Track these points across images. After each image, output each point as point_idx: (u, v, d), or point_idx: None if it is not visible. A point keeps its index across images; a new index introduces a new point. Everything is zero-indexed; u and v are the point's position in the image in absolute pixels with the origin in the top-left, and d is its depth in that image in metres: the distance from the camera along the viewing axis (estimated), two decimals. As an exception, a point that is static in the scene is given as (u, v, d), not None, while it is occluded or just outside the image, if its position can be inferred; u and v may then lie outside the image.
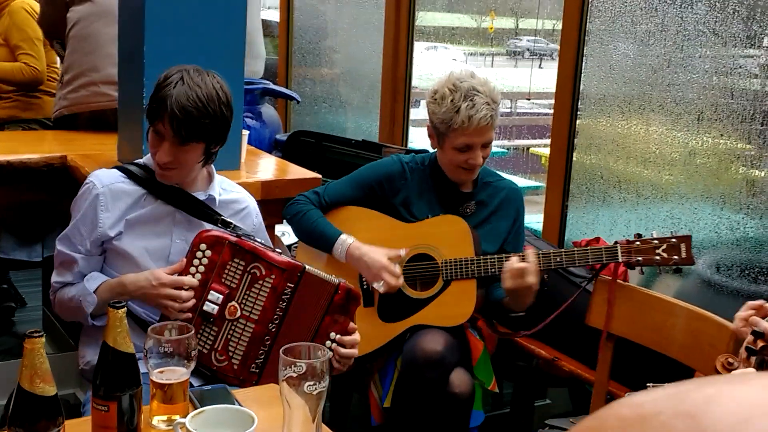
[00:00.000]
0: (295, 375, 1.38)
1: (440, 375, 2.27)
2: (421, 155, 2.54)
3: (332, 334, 2.01)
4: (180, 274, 1.97)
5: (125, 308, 1.35)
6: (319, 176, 2.70)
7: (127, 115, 2.56)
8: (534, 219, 3.30)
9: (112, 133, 2.71)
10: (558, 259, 2.30)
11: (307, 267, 2.02)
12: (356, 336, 2.03)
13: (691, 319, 2.01)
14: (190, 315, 1.95)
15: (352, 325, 2.03)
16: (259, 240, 2.07)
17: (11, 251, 3.52)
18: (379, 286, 2.33)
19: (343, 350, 2.00)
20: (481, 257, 2.35)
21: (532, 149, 5.89)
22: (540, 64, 6.93)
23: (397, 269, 2.35)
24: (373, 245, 2.38)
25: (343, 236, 2.39)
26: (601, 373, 2.18)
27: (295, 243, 2.74)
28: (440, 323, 2.34)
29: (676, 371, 2.08)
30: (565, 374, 2.58)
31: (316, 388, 1.39)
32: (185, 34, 2.39)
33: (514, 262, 2.26)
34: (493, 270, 2.33)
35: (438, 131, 2.37)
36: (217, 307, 1.96)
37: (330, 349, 2.01)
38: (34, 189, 2.74)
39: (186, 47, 2.34)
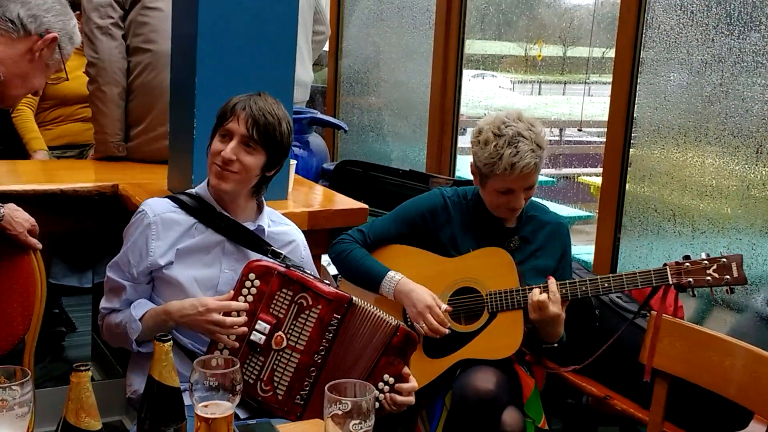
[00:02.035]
0: (340, 412, 1.35)
1: (492, 414, 2.22)
2: (464, 188, 2.51)
3: (386, 377, 2.00)
4: None
5: (171, 342, 1.34)
6: (366, 206, 2.69)
7: (177, 145, 2.59)
8: (584, 250, 3.24)
9: (163, 163, 2.74)
10: (584, 288, 2.28)
11: (354, 299, 2.01)
12: (414, 383, 2.02)
13: (750, 359, 1.93)
14: (236, 344, 1.95)
15: (406, 370, 2.02)
16: (308, 271, 2.08)
17: (63, 277, 3.57)
18: (421, 327, 2.30)
19: (400, 398, 1.99)
20: (526, 287, 2.31)
21: (580, 178, 5.82)
22: (589, 92, 6.88)
23: (442, 312, 2.32)
24: (417, 282, 2.36)
25: (391, 273, 2.37)
26: (655, 414, 2.11)
27: (340, 275, 2.73)
28: (488, 356, 2.30)
29: (734, 413, 2.00)
30: (617, 413, 2.51)
31: (361, 427, 1.36)
32: (236, 65, 2.41)
33: (535, 294, 2.24)
34: None
35: (480, 172, 2.35)
36: (264, 337, 1.96)
37: (381, 391, 1.99)
38: (86, 217, 2.77)
39: (236, 78, 2.35)
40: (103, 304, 2.12)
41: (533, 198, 2.45)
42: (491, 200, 2.37)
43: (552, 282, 2.27)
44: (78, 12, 4.13)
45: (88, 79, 3.04)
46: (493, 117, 2.36)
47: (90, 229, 3.06)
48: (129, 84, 3.04)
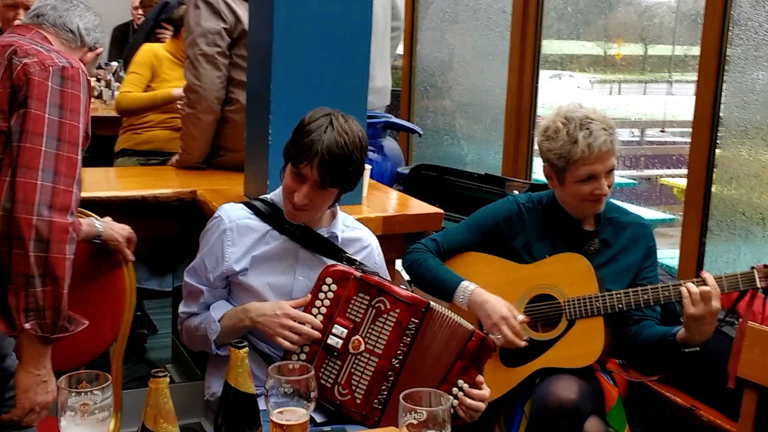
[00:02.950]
0: (415, 422, 1.34)
1: (574, 424, 2.17)
2: (538, 194, 2.46)
3: (460, 382, 1.98)
4: (305, 309, 1.98)
5: (246, 348, 1.35)
6: (441, 211, 2.67)
7: (253, 152, 2.61)
8: (667, 254, 3.13)
9: (240, 170, 2.78)
10: (666, 294, 2.18)
11: (431, 303, 2.00)
12: (486, 391, 1.99)
13: None
14: (295, 348, 1.95)
15: (480, 378, 1.99)
16: (383, 276, 2.07)
17: (144, 281, 3.66)
18: (496, 338, 2.26)
19: (469, 401, 1.96)
20: (606, 293, 2.24)
21: (663, 180, 5.66)
22: (671, 91, 6.68)
23: (518, 323, 2.27)
24: (492, 290, 2.32)
25: (464, 283, 2.34)
26: (743, 426, 2.03)
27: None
28: (568, 365, 2.24)
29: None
30: (703, 424, 2.41)
31: (437, 437, 1.34)
32: (310, 72, 2.42)
33: (693, 286, 2.12)
34: (620, 306, 2.23)
35: (556, 168, 2.30)
36: (341, 341, 1.96)
37: (455, 396, 1.97)
38: (166, 222, 2.84)
39: (311, 85, 2.37)
40: (182, 308, 2.15)
41: (612, 200, 2.38)
42: (574, 194, 2.30)
43: (708, 275, 2.15)
44: (170, 33, 4.23)
45: (185, 100, 3.07)
46: (555, 111, 2.32)
47: (170, 233, 3.13)
48: (224, 113, 3.05)
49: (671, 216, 4.37)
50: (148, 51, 3.92)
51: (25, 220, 1.67)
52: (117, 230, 2.20)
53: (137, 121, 3.90)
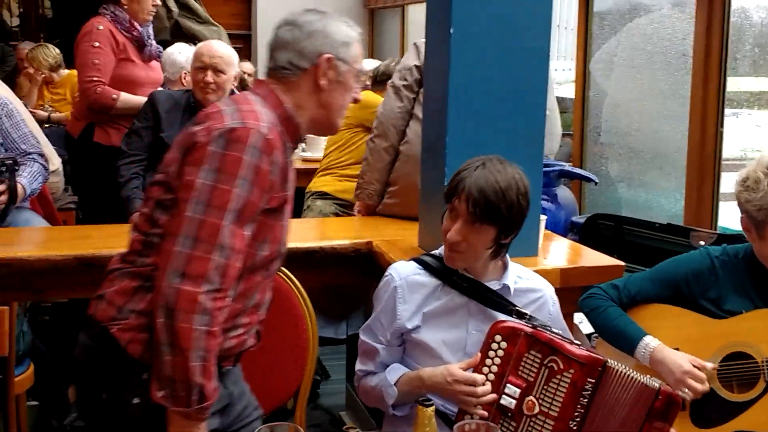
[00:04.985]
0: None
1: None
2: (734, 247, 2.30)
3: None
4: (476, 368, 1.95)
5: (434, 407, 1.35)
6: (622, 263, 2.57)
7: (428, 203, 2.64)
8: None
9: (414, 221, 2.81)
10: None
11: (608, 361, 1.92)
12: None
13: None
14: (485, 413, 1.91)
15: (672, 431, 1.89)
16: (555, 330, 2.00)
17: (320, 329, 3.74)
18: (685, 395, 2.13)
19: None
20: None
21: None
22: None
23: (702, 374, 2.13)
24: (680, 345, 2.20)
25: (647, 338, 2.22)
26: None
27: (594, 333, 2.61)
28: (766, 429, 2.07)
29: None
30: None
31: None
32: (486, 123, 2.43)
33: None
34: None
35: (755, 220, 2.14)
36: (514, 402, 1.91)
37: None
38: (343, 272, 2.91)
39: (487, 135, 2.37)
40: (359, 366, 2.18)
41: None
42: None
43: None
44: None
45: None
46: (756, 159, 2.16)
47: (345, 283, 3.21)
48: (399, 147, 3.16)
49: None
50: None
51: (159, 287, 1.64)
52: None
53: (340, 169, 4.05)
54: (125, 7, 3.99)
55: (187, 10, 5.90)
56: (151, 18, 4.11)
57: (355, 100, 1.93)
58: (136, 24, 4.01)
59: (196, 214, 1.65)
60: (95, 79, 3.85)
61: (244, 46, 7.61)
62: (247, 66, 6.23)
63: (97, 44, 3.88)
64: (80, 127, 4.02)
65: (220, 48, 3.54)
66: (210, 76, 3.44)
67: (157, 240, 1.72)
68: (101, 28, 3.91)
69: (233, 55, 3.58)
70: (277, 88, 1.84)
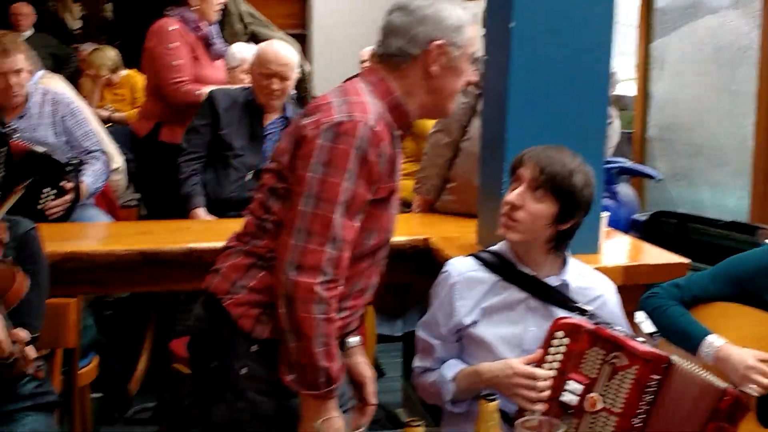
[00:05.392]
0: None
1: None
2: None
3: None
4: (537, 364, 1.94)
5: (497, 402, 1.33)
6: (686, 261, 2.52)
7: (487, 199, 2.62)
8: None
9: (472, 218, 2.79)
10: None
11: (673, 358, 1.89)
12: None
13: None
14: (545, 407, 1.89)
15: None
16: (618, 327, 1.97)
17: (376, 326, 3.76)
18: (751, 390, 2.07)
19: None
20: None
21: None
22: None
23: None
24: (749, 345, 2.13)
25: (711, 337, 2.17)
26: None
27: (657, 331, 2.57)
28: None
29: None
30: None
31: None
32: (547, 118, 2.40)
33: None
34: None
35: None
36: (576, 398, 1.89)
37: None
38: (399, 269, 2.88)
39: (548, 130, 2.33)
40: (416, 362, 2.18)
41: None
42: None
43: None
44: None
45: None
46: None
47: (402, 280, 3.20)
48: (461, 143, 3.14)
49: None
50: None
51: (278, 278, 1.73)
52: None
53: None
54: (195, 7, 4.05)
55: (257, 20, 5.95)
56: (218, 17, 4.17)
57: (469, 83, 1.92)
58: (203, 24, 4.07)
59: (308, 208, 1.71)
60: (178, 79, 3.91)
61: (300, 47, 7.66)
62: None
63: (171, 45, 3.94)
64: (149, 127, 4.09)
65: (287, 54, 3.52)
66: (276, 84, 3.46)
67: (270, 226, 1.80)
68: (173, 28, 3.98)
69: (296, 59, 3.59)
70: (387, 75, 1.84)
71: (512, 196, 2.00)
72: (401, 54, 1.81)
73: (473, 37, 1.86)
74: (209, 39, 4.11)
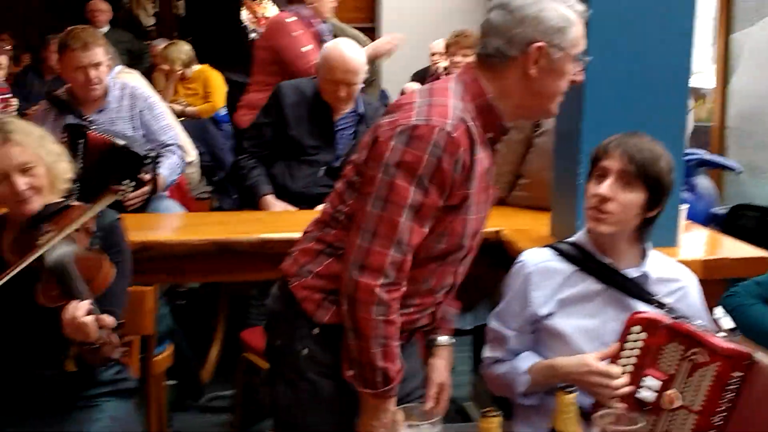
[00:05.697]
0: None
1: None
2: None
3: None
4: (613, 359, 1.90)
5: (576, 393, 1.31)
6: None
7: (561, 191, 2.58)
8: None
9: (546, 211, 2.75)
10: None
11: (756, 355, 1.83)
12: None
13: None
14: (623, 404, 1.85)
15: None
16: (698, 321, 1.93)
17: (447, 319, 3.74)
18: None
19: None
20: None
21: None
22: None
23: None
24: None
25: None
26: None
27: (738, 329, 2.49)
28: None
29: None
30: None
31: None
32: (625, 108, 2.35)
33: None
34: None
35: None
36: (653, 395, 1.85)
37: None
38: (471, 262, 2.86)
39: (625, 121, 2.27)
40: (487, 353, 2.15)
41: None
42: None
43: None
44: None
45: None
46: None
47: (472, 273, 3.17)
48: (534, 139, 3.10)
49: None
50: None
51: (343, 277, 1.74)
52: None
53: None
54: (310, 4, 4.10)
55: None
56: (332, 15, 4.22)
57: (573, 82, 1.84)
58: (316, 21, 4.11)
59: (375, 210, 1.70)
60: (313, 62, 3.82)
61: (369, 40, 7.68)
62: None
63: (295, 34, 3.98)
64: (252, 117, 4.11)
65: (353, 59, 3.40)
66: (343, 91, 3.39)
67: (342, 217, 1.81)
68: (291, 20, 4.03)
69: (363, 60, 3.48)
70: (482, 76, 1.78)
71: (602, 188, 1.95)
72: (498, 55, 1.75)
73: (578, 37, 1.78)
74: (322, 36, 4.11)
